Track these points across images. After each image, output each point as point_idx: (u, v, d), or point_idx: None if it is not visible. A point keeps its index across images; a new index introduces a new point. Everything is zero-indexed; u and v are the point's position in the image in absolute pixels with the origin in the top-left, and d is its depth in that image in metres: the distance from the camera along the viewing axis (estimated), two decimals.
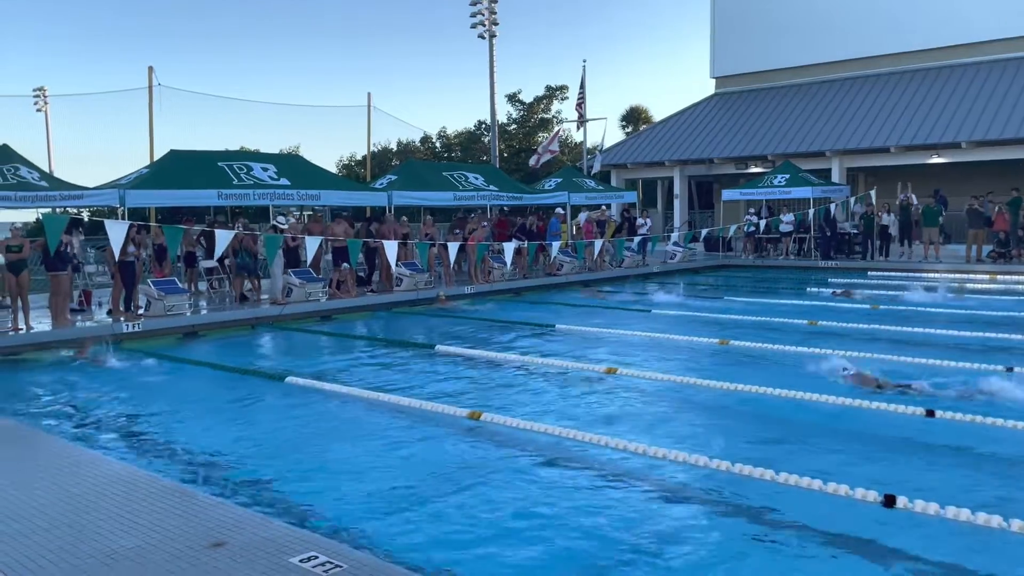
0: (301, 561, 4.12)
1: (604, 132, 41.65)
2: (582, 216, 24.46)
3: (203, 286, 16.99)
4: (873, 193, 23.69)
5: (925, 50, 28.76)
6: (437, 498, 5.71)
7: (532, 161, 29.78)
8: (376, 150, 42.35)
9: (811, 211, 24.19)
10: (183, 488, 5.47)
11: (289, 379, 9.50)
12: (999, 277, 19.16)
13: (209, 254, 16.46)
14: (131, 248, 13.34)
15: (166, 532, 4.56)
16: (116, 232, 12.56)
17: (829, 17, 30.83)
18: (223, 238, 13.81)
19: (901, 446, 6.67)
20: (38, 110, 35.36)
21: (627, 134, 45.54)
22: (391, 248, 15.86)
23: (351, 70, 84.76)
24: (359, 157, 45.03)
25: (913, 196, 23.06)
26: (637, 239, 23.03)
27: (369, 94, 28.49)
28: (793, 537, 5.02)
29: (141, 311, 13.68)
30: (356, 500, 5.69)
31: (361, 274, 18.12)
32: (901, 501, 5.26)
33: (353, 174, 41.66)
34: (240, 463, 6.60)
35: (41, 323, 12.74)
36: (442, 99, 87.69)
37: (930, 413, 7.36)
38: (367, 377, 9.86)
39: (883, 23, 29.46)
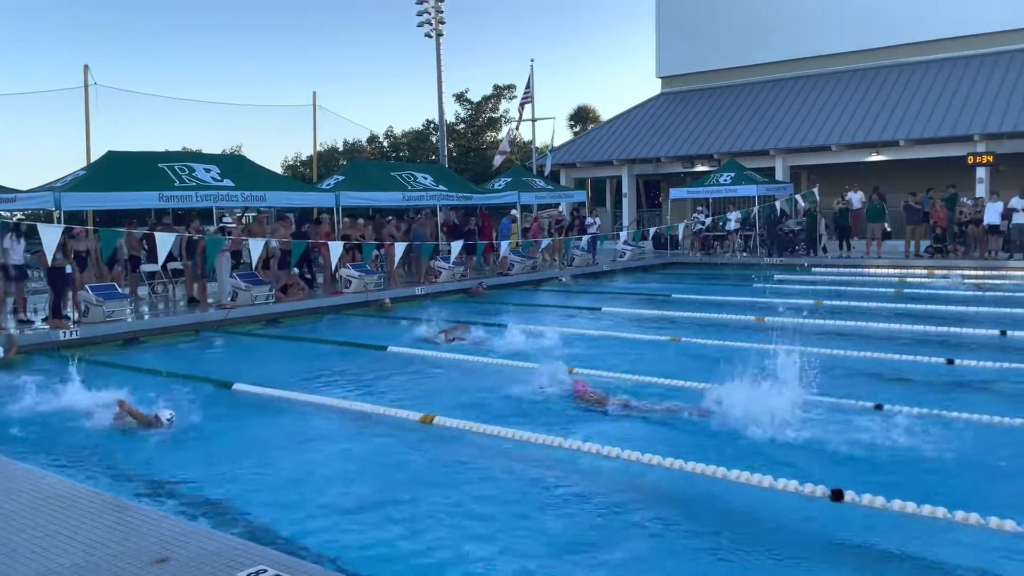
0: (249, 575, 4.00)
1: (553, 131, 41.89)
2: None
3: (144, 291, 16.53)
4: (816, 190, 24.20)
5: (864, 50, 29.48)
6: (390, 506, 5.62)
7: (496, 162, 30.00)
8: (322, 150, 41.86)
9: (755, 209, 24.63)
10: (124, 502, 5.28)
11: (236, 386, 9.29)
12: (936, 271, 19.72)
13: (152, 258, 16.05)
14: (59, 255, 12.84)
15: (107, 549, 4.39)
16: (50, 237, 12.14)
17: (771, 18, 31.39)
18: (166, 241, 13.45)
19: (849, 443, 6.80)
20: None
21: (575, 133, 45.77)
22: (334, 249, 15.67)
23: (295, 68, 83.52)
24: (305, 157, 44.48)
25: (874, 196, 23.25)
26: (586, 238, 23.17)
27: (314, 93, 28.17)
28: (743, 533, 5.06)
29: (79, 318, 13.25)
30: (306, 510, 5.57)
31: (308, 276, 17.87)
32: (848, 495, 5.35)
33: (299, 175, 41.09)
34: (184, 474, 6.41)
35: None
36: (389, 98, 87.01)
37: (878, 407, 7.54)
38: (316, 382, 9.69)
39: (824, 24, 30.12)
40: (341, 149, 46.28)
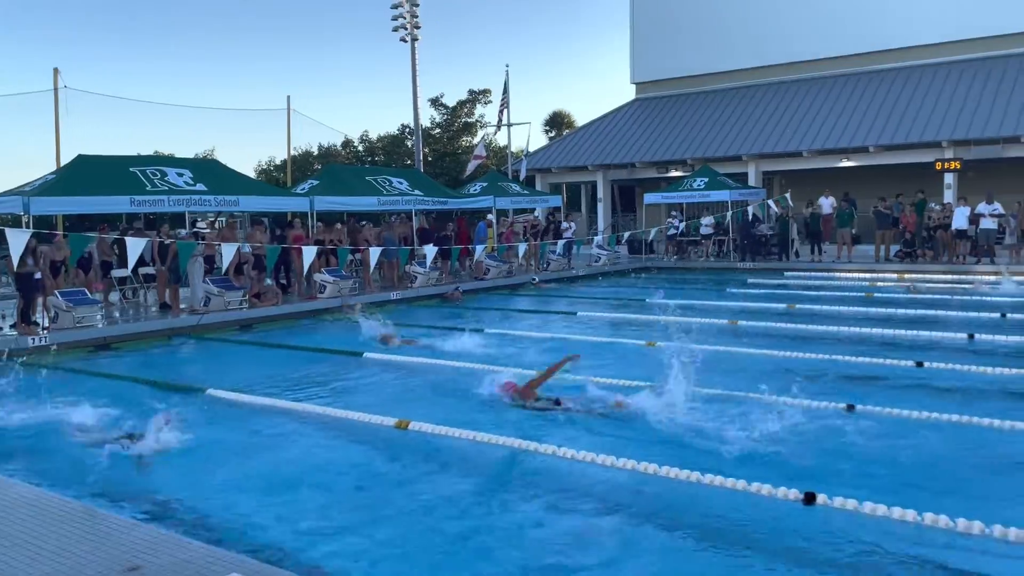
0: None
1: (528, 136, 41.98)
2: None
3: (115, 297, 16.34)
4: (789, 195, 24.47)
5: (835, 57, 29.87)
6: (365, 513, 5.59)
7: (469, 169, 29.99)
8: (296, 154, 41.61)
9: (728, 213, 24.85)
10: (94, 510, 5.21)
11: (209, 391, 9.20)
12: (905, 275, 19.99)
13: (124, 263, 15.88)
14: (29, 261, 12.64)
15: (76, 558, 4.32)
16: (17, 242, 11.95)
17: (744, 25, 31.71)
18: (136, 246, 13.31)
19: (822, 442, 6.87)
20: None
21: (551, 139, 45.90)
22: (308, 253, 15.58)
23: (269, 72, 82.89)
24: (279, 161, 44.19)
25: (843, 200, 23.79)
26: (562, 242, 23.25)
27: (288, 97, 28.10)
28: (715, 537, 5.10)
29: (48, 324, 13.06)
30: (280, 517, 5.52)
31: (284, 282, 17.75)
32: (821, 498, 5.40)
33: (273, 179, 40.80)
34: (156, 481, 6.34)
35: None
36: (364, 102, 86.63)
37: (850, 408, 7.65)
38: (291, 387, 9.62)
39: (796, 31, 30.46)
40: (316, 153, 46.02)
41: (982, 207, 20.94)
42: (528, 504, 5.70)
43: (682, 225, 25.97)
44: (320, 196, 18.32)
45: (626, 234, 26.68)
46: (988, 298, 15.74)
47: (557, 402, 8.19)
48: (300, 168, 39.84)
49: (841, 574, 4.59)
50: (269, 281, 16.92)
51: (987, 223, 20.87)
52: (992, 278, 18.71)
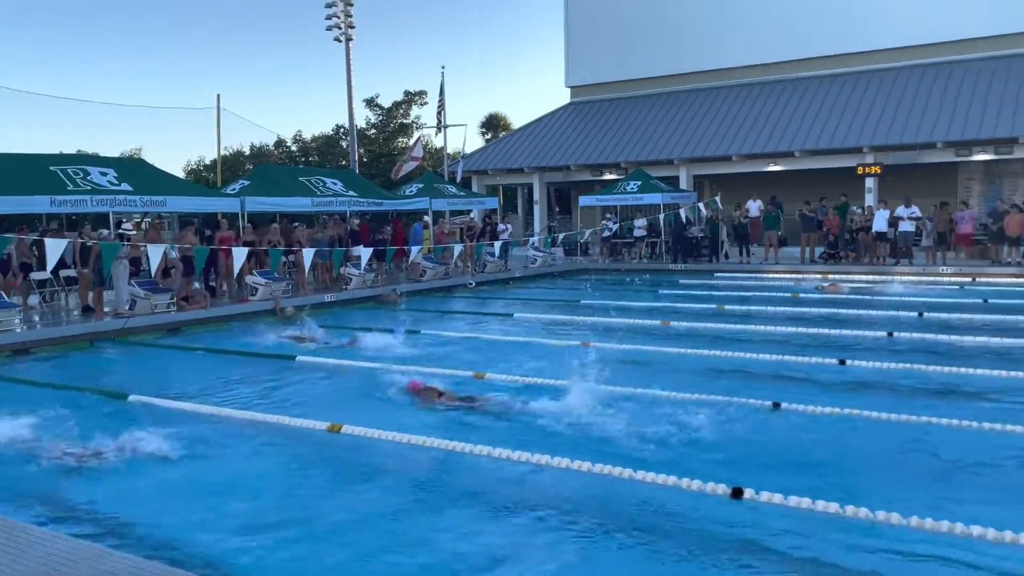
0: None
1: (464, 138, 41.98)
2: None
3: (35, 300, 15.72)
4: (718, 199, 25.04)
5: (762, 64, 30.69)
6: (295, 521, 5.50)
7: (393, 174, 29.69)
8: (227, 154, 40.78)
9: (661, 216, 25.31)
10: (11, 522, 5.00)
11: (132, 398, 8.94)
12: (829, 276, 20.66)
13: (43, 265, 15.31)
14: None
15: None
16: None
17: (676, 32, 32.30)
18: (56, 247, 12.85)
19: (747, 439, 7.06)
20: None
21: (487, 140, 45.99)
22: (238, 255, 15.29)
23: (199, 71, 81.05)
24: (208, 161, 43.25)
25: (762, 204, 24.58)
26: (498, 244, 23.31)
27: (218, 96, 27.53)
28: (643, 532, 5.19)
29: None
30: (205, 526, 5.41)
31: (212, 284, 17.36)
32: (748, 493, 5.55)
33: (202, 179, 39.86)
34: (75, 491, 6.13)
35: None
36: (298, 102, 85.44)
37: (776, 405, 7.87)
38: (220, 392, 9.42)
39: (725, 39, 31.18)
40: (247, 153, 45.16)
41: (900, 210, 21.78)
42: (460, 505, 5.70)
43: (616, 227, 26.32)
44: (251, 197, 17.96)
45: (561, 235, 26.91)
46: (906, 298, 16.37)
47: (470, 399, 8.32)
48: (231, 168, 39.06)
49: (768, 566, 4.72)
50: (198, 284, 16.55)
51: (905, 226, 21.71)
52: (910, 278, 19.49)
